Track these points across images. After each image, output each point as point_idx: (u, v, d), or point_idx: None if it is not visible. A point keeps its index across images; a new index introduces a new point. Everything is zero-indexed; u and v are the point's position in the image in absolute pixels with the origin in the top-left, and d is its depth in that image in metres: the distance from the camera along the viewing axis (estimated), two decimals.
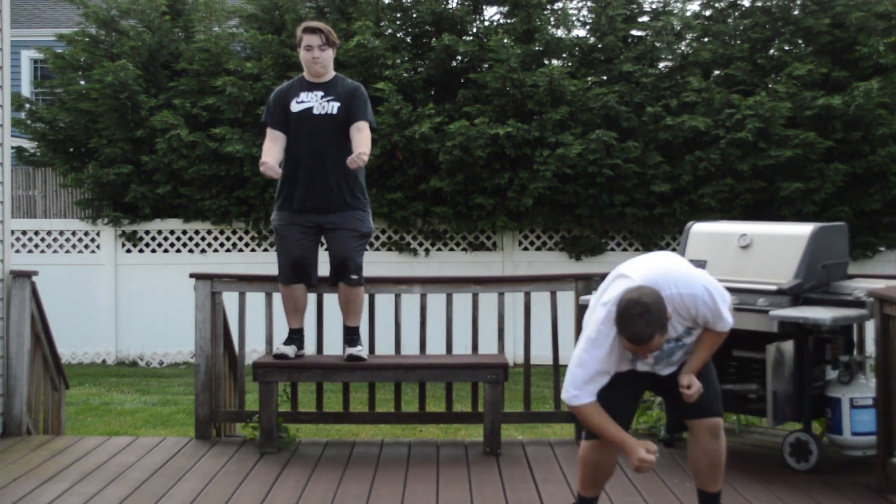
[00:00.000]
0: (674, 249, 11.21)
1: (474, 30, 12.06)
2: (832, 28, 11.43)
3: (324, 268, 5.54)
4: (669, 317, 3.59)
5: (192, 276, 5.87)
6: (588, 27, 12.05)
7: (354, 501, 4.57)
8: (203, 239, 12.10)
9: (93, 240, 12.09)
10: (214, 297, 5.82)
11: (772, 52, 11.92)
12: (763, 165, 10.87)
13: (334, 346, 5.92)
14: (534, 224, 11.75)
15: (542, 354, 6.37)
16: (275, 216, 5.56)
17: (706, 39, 12.03)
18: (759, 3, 11.95)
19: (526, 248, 11.97)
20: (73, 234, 12.12)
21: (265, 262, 11.09)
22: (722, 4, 12.23)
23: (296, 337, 5.60)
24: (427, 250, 11.94)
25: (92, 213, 12.10)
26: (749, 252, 5.18)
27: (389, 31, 11.88)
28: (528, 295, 5.93)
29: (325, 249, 5.44)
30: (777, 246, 5.13)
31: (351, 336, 5.58)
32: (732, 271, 5.05)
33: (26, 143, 13.13)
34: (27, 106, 12.52)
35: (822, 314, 4.72)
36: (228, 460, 5.28)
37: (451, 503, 4.56)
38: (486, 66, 11.64)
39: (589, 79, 11.64)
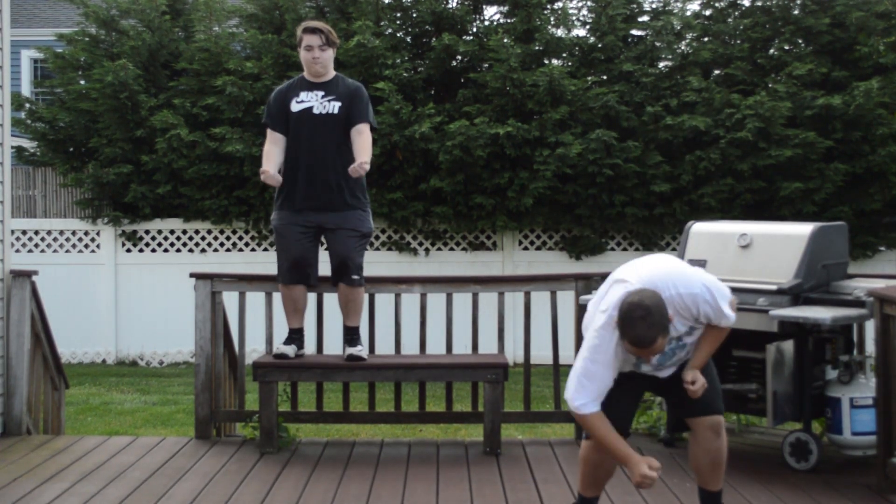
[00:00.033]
0: (674, 249, 11.23)
1: (474, 29, 12.06)
2: (832, 28, 11.43)
3: (324, 268, 5.54)
4: (671, 319, 3.58)
5: (192, 275, 5.87)
6: (588, 27, 12.05)
7: (354, 501, 4.57)
8: (203, 239, 12.10)
9: (93, 239, 12.09)
10: (214, 297, 5.82)
11: (772, 51, 11.92)
12: (763, 165, 10.87)
13: (334, 345, 5.92)
14: (534, 224, 11.75)
15: (542, 354, 6.37)
16: (275, 216, 5.55)
17: (706, 39, 12.03)
18: (759, 3, 11.96)
19: (526, 248, 11.98)
20: (73, 233, 12.12)
21: (265, 261, 11.08)
22: (722, 4, 12.23)
23: (296, 337, 5.60)
24: (427, 250, 11.94)
25: (92, 212, 12.10)
26: (749, 252, 5.18)
27: (389, 30, 11.88)
28: (528, 295, 5.93)
29: (326, 249, 5.44)
30: (777, 246, 5.13)
31: (351, 336, 5.58)
32: (732, 271, 5.05)
33: (26, 143, 13.14)
34: (27, 106, 12.53)
35: (822, 314, 4.72)
36: (228, 460, 5.28)
37: (451, 503, 4.56)
38: (486, 65, 11.64)
39: (589, 78, 11.64)
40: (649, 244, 11.67)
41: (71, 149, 12.50)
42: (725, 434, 3.87)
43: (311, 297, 5.72)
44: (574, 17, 11.98)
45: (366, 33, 11.15)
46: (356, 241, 5.46)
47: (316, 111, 5.41)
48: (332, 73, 5.54)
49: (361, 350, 5.56)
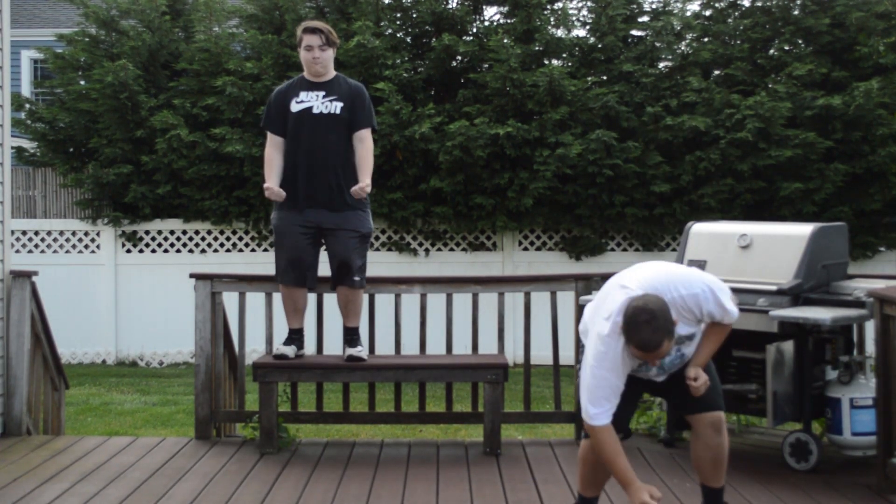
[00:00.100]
0: (674, 250, 11.24)
1: (474, 30, 12.06)
2: (832, 28, 11.43)
3: (324, 268, 5.54)
4: (676, 322, 3.59)
5: (192, 276, 5.87)
6: (588, 27, 12.05)
7: (354, 501, 4.57)
8: (203, 239, 12.10)
9: (93, 240, 12.09)
10: (214, 297, 5.82)
11: (772, 52, 11.91)
12: (763, 165, 10.87)
13: (334, 346, 5.92)
14: (534, 224, 11.74)
15: (542, 354, 6.37)
16: (274, 216, 5.55)
17: (706, 39, 12.03)
18: (759, 3, 11.95)
19: (526, 249, 11.97)
20: (73, 234, 12.12)
21: (265, 262, 11.07)
22: (722, 4, 12.23)
23: (296, 337, 5.60)
24: (427, 250, 11.94)
25: (92, 213, 12.10)
26: (749, 252, 5.18)
27: (389, 31, 11.88)
28: (528, 295, 5.93)
29: (325, 250, 5.44)
30: (777, 246, 5.13)
31: (351, 336, 5.58)
32: (732, 271, 5.05)
33: (26, 143, 13.13)
34: (27, 106, 12.53)
35: (821, 314, 4.72)
36: (228, 460, 5.28)
37: (451, 503, 4.56)
38: (486, 66, 11.64)
39: (589, 79, 11.64)
40: (649, 244, 11.67)
41: (71, 149, 12.50)
42: (726, 431, 3.88)
43: (311, 298, 5.72)
44: (574, 18, 11.98)
45: (366, 33, 11.15)
46: (356, 241, 5.45)
47: (316, 111, 5.40)
48: (332, 73, 5.54)
49: (361, 350, 5.56)
